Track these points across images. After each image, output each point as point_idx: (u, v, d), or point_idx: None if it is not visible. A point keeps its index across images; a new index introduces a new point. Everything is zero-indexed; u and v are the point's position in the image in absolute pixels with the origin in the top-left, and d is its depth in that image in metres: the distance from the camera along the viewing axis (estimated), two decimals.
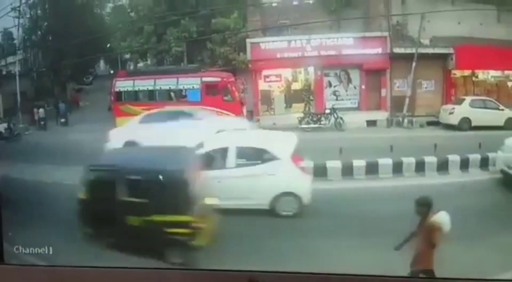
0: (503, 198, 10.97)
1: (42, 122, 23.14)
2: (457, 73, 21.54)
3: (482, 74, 21.77)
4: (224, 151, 11.21)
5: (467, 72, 21.63)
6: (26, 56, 35.43)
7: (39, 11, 30.50)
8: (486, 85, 21.39)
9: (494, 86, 21.36)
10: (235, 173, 10.94)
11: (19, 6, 28.25)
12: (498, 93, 20.49)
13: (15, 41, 31.47)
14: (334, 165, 12.93)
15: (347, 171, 12.91)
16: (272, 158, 11.15)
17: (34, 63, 34.53)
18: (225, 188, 10.37)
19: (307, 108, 22.05)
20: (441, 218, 6.97)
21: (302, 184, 11.04)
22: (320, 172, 12.72)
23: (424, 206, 7.12)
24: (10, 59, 34.07)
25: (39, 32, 30.81)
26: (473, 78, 21.63)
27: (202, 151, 11.08)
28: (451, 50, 20.71)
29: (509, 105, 19.44)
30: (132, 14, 26.41)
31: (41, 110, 23.69)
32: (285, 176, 11.03)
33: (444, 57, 21.07)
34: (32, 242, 7.80)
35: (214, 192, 9.81)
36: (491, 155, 13.31)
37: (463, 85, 21.44)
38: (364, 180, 12.74)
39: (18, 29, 28.82)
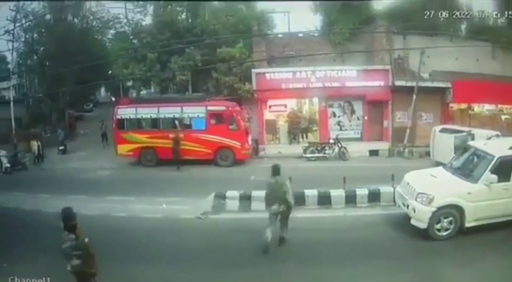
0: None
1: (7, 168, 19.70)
2: (454, 106, 21.40)
3: (478, 108, 21.71)
4: None
5: (463, 106, 21.52)
6: (21, 81, 33.48)
7: (35, 35, 28.50)
8: (481, 118, 21.23)
9: (489, 118, 21.21)
10: None
11: (13, 29, 26.31)
12: (492, 125, 19.94)
13: (9, 66, 29.58)
14: (338, 193, 12.00)
15: (351, 199, 11.87)
16: None
17: (30, 88, 32.50)
18: None
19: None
20: None
21: None
22: (324, 200, 11.94)
23: None
24: (3, 84, 31.91)
25: (35, 57, 28.70)
26: (469, 111, 21.52)
27: None
28: (449, 85, 20.51)
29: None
30: (135, 41, 24.91)
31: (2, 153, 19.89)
32: None
33: (442, 91, 20.87)
34: (29, 273, 6.81)
35: None
36: None
37: (459, 118, 21.16)
38: (366, 208, 11.70)
39: (12, 53, 26.91)
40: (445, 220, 9.13)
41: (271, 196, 9.03)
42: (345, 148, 19.35)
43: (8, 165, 19.46)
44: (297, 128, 21.96)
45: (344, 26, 21.54)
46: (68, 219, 6.07)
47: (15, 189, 15.25)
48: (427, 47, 19.48)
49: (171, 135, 18.32)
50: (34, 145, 21.23)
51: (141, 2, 27.25)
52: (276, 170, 9.01)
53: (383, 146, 20.86)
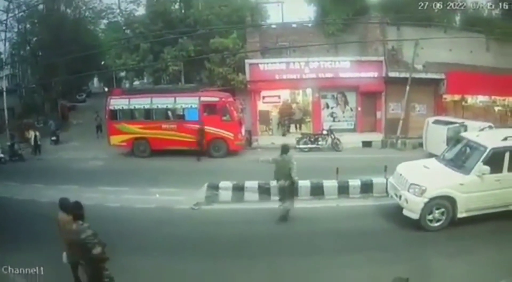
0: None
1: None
2: (448, 97, 21.18)
3: (471, 99, 21.52)
4: None
5: (457, 97, 21.31)
6: (14, 71, 33.13)
7: (28, 25, 28.09)
8: (475, 110, 21.04)
9: (482, 110, 21.05)
10: None
11: (5, 20, 25.89)
12: (485, 117, 19.83)
13: (2, 56, 29.17)
14: (331, 184, 11.89)
15: (344, 190, 11.80)
16: None
17: (22, 79, 32.12)
18: None
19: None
20: None
21: None
22: (317, 191, 11.79)
23: None
24: None
25: (28, 47, 28.34)
26: (463, 103, 21.31)
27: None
28: (442, 76, 20.30)
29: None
30: (128, 31, 24.52)
31: None
32: None
33: (436, 82, 20.62)
34: (22, 262, 6.74)
35: None
36: None
37: (453, 109, 20.99)
38: (359, 198, 11.63)
39: (5, 43, 26.48)
40: (437, 211, 9.10)
41: (278, 172, 10.01)
42: (338, 139, 19.18)
43: (2, 155, 19.13)
44: (288, 119, 21.72)
45: (338, 17, 21.33)
46: (78, 208, 6.04)
47: (9, 179, 15.08)
48: (421, 38, 19.20)
49: (196, 127, 18.04)
50: (32, 135, 20.84)
51: None
52: (284, 149, 10.03)
53: (376, 137, 20.69)
